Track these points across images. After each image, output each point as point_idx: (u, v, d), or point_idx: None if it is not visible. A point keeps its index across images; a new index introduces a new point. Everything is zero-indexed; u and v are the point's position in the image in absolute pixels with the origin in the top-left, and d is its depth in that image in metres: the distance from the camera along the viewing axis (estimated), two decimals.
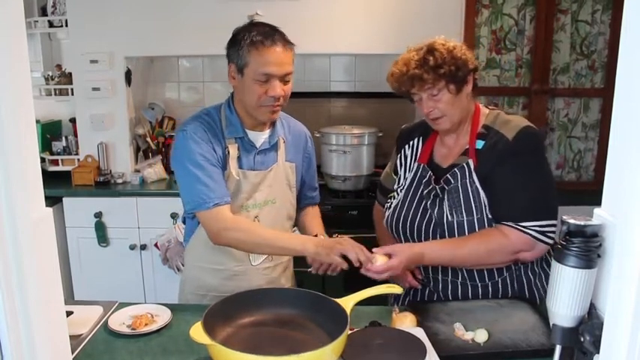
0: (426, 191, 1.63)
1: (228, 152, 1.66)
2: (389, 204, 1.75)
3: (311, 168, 1.90)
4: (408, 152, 1.76)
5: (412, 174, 1.70)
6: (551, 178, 1.59)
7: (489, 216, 1.55)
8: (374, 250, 1.52)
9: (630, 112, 0.80)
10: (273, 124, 1.74)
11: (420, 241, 1.63)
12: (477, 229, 1.55)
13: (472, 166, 1.57)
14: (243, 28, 1.62)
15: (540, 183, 1.54)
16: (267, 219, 1.72)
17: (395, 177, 1.79)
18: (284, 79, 1.60)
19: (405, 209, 1.67)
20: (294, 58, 1.65)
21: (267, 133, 1.73)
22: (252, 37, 1.58)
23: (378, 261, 1.49)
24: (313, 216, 1.91)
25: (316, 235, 1.74)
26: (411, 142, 1.76)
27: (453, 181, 1.59)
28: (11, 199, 0.73)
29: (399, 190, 1.73)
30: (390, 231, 1.74)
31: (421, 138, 1.74)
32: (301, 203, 1.91)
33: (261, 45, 1.56)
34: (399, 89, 1.60)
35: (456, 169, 1.59)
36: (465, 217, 1.56)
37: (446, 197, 1.59)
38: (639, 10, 0.78)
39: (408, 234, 1.66)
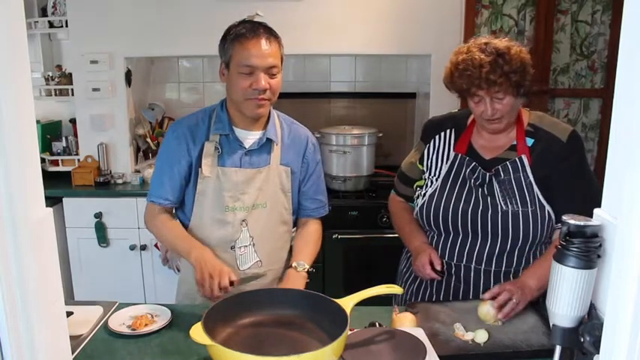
0: (473, 179, 1.65)
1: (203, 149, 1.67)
2: (420, 192, 1.76)
3: (310, 176, 1.80)
4: (440, 143, 1.77)
5: (449, 163, 1.71)
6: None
7: (547, 208, 1.58)
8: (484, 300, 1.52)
9: (630, 113, 0.80)
10: (266, 124, 1.72)
11: (465, 228, 1.65)
12: (531, 221, 1.58)
13: (526, 162, 1.61)
14: (232, 25, 1.64)
15: (594, 180, 1.60)
16: (257, 223, 1.70)
17: (421, 167, 1.80)
18: (269, 72, 1.59)
19: (446, 197, 1.68)
20: (282, 54, 1.64)
21: (258, 133, 1.70)
22: (237, 31, 1.60)
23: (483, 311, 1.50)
24: (303, 238, 1.80)
25: (291, 266, 1.70)
26: (442, 134, 1.77)
27: (503, 174, 1.62)
28: (12, 199, 0.73)
29: (433, 178, 1.74)
30: (422, 219, 1.74)
31: (454, 130, 1.76)
32: (300, 214, 1.84)
33: (243, 37, 1.58)
34: (462, 88, 1.59)
35: (507, 162, 1.62)
36: (520, 208, 1.59)
37: (497, 187, 1.62)
38: (639, 11, 0.78)
39: (450, 221, 1.67)
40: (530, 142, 1.64)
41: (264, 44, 1.58)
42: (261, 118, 1.70)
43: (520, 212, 1.59)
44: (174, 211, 1.80)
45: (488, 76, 1.51)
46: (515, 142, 1.65)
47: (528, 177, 1.60)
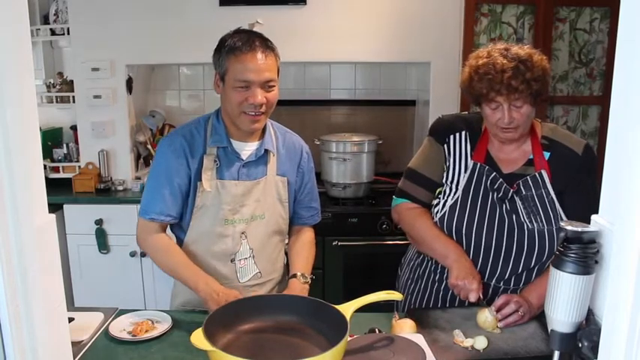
0: (495, 192, 1.60)
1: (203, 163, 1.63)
2: (439, 201, 1.68)
3: (306, 185, 1.80)
4: (455, 144, 1.68)
5: (468, 173, 1.64)
6: None
7: None
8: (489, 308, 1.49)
9: (626, 120, 0.81)
10: (262, 135, 1.69)
11: (488, 245, 1.60)
12: (556, 240, 1.54)
13: (546, 177, 1.57)
14: (227, 36, 1.60)
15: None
16: (255, 234, 1.69)
17: (446, 166, 1.69)
18: (266, 86, 1.55)
19: (469, 210, 1.62)
20: (278, 65, 1.60)
21: (255, 144, 1.68)
22: (232, 43, 1.55)
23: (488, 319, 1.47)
24: (301, 247, 1.80)
25: (295, 276, 1.69)
26: (458, 135, 1.68)
27: (524, 190, 1.58)
28: (15, 204, 0.74)
29: (452, 185, 1.66)
30: (444, 229, 1.66)
31: (468, 134, 1.67)
32: (294, 222, 1.83)
33: (239, 51, 1.53)
34: (482, 93, 1.53)
35: (527, 178, 1.59)
36: (545, 226, 1.56)
37: (520, 204, 1.58)
38: (634, 18, 0.79)
39: (473, 236, 1.61)
40: (546, 155, 1.60)
41: (260, 58, 1.53)
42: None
43: (546, 231, 1.56)
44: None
45: (510, 82, 1.47)
46: (531, 157, 1.61)
47: (550, 193, 1.56)
